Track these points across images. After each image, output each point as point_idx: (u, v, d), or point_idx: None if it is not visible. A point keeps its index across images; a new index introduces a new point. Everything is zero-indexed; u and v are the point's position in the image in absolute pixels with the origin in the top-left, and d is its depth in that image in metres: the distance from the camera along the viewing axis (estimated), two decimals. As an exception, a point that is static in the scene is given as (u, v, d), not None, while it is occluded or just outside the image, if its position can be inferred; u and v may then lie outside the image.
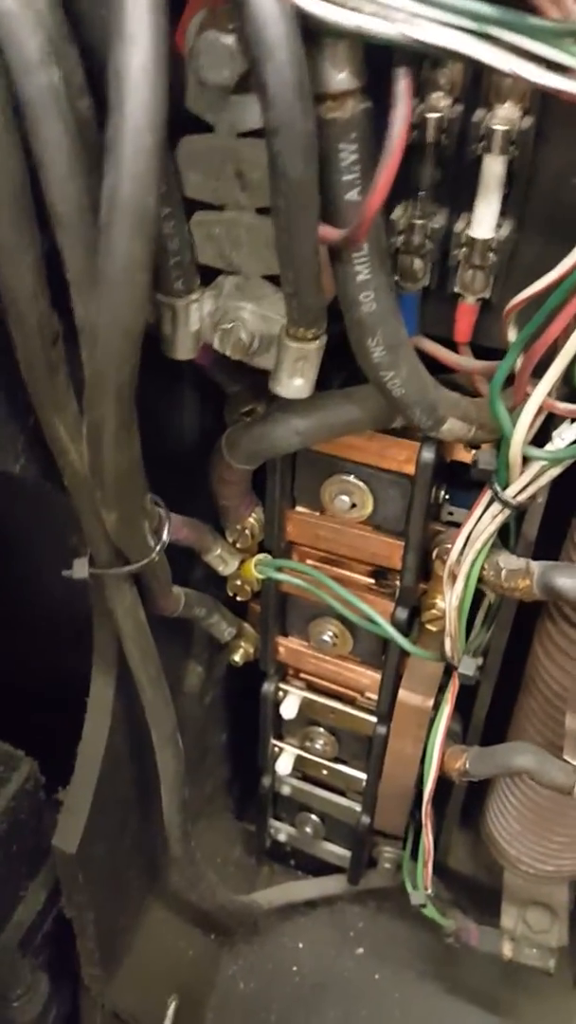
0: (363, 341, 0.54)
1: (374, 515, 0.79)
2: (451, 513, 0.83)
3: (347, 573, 0.86)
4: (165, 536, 0.67)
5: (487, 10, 0.38)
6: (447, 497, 0.81)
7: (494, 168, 0.50)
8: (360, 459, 0.76)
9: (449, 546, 0.73)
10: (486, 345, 0.62)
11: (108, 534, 0.61)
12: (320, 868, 1.18)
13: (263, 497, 0.82)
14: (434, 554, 0.82)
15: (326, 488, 0.79)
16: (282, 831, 1.16)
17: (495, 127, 0.49)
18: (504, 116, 0.49)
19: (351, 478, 0.77)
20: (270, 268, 0.54)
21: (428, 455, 0.71)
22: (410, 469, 0.73)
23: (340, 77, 0.43)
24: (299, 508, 0.83)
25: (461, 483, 0.78)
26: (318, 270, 0.49)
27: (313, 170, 0.43)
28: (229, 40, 0.43)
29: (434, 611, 0.83)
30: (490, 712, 0.89)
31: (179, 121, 0.50)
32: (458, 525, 0.78)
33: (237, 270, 0.56)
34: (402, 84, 0.41)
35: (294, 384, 0.57)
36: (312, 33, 0.41)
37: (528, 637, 0.82)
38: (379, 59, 0.42)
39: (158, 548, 0.66)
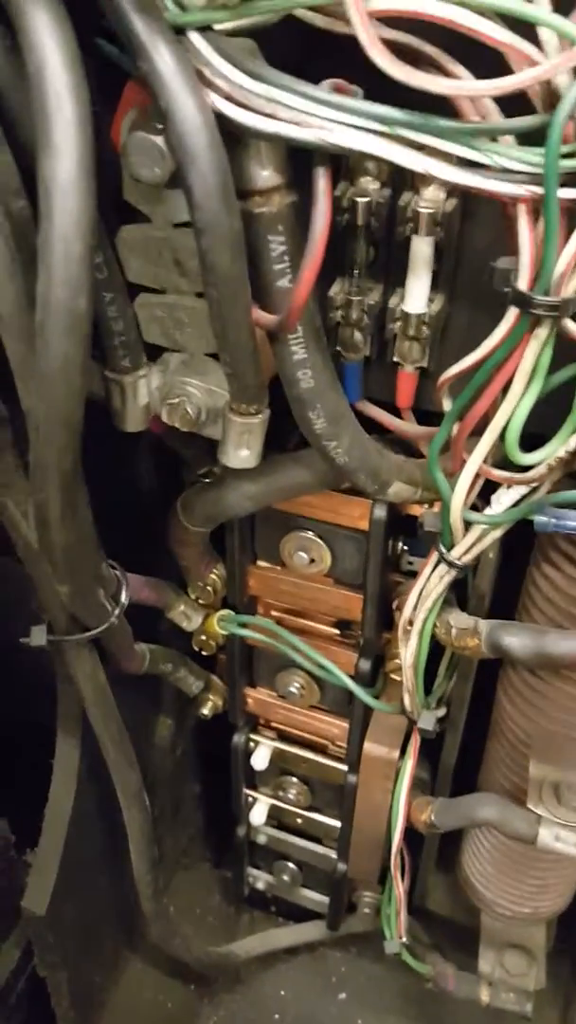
0: (304, 414, 0.55)
1: (333, 569, 0.81)
2: (411, 563, 0.84)
3: (312, 624, 0.87)
4: (123, 599, 0.68)
5: (396, 114, 0.41)
6: (405, 548, 0.83)
7: (422, 248, 0.52)
8: (316, 516, 0.77)
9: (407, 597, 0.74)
10: (428, 409, 0.64)
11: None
12: (301, 913, 1.18)
13: (224, 551, 0.83)
14: (394, 605, 0.83)
15: (285, 544, 0.80)
16: (260, 879, 1.16)
17: (421, 210, 0.51)
18: (429, 199, 0.51)
19: (308, 534, 0.79)
20: (212, 347, 0.56)
21: (380, 513, 0.72)
22: (364, 525, 0.75)
23: (265, 174, 0.45)
24: (260, 563, 0.84)
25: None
26: (254, 352, 0.50)
27: (241, 265, 0.45)
28: (158, 140, 0.44)
29: (397, 661, 0.84)
30: (462, 757, 0.90)
31: (119, 208, 0.52)
32: (416, 575, 0.80)
33: (182, 348, 0.57)
34: (321, 183, 0.43)
35: (240, 455, 0.58)
36: (236, 133, 0.43)
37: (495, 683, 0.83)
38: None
39: (116, 612, 0.67)
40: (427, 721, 0.75)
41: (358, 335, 0.59)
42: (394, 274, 0.56)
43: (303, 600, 0.84)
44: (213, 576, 0.84)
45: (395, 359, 0.60)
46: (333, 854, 1.04)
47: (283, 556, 0.81)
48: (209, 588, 0.84)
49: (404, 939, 0.94)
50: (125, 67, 0.45)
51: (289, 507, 0.77)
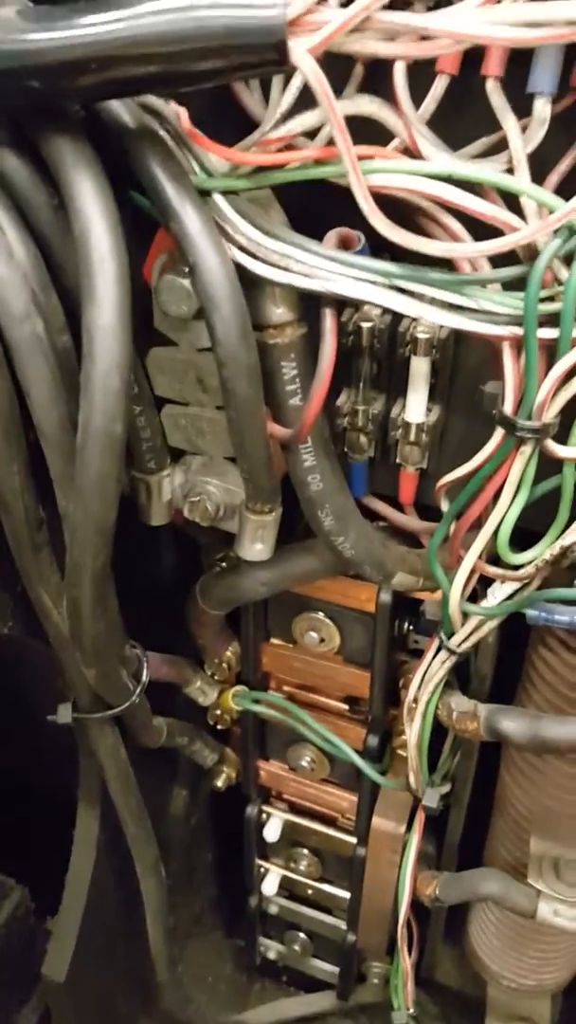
0: (314, 513, 0.61)
1: (342, 648, 0.85)
2: (416, 641, 0.89)
3: (322, 699, 0.91)
4: (144, 678, 0.73)
5: (393, 268, 0.46)
6: (411, 627, 0.87)
7: (420, 367, 0.58)
8: (326, 598, 0.82)
9: (413, 676, 0.79)
10: (428, 504, 0.69)
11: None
12: (311, 983, 1.20)
13: (238, 630, 0.88)
14: (400, 683, 0.87)
15: (297, 624, 0.85)
16: (272, 949, 1.18)
17: (419, 336, 0.57)
18: (426, 326, 0.57)
19: (319, 615, 0.83)
20: (230, 451, 0.62)
21: (386, 597, 0.77)
22: (372, 607, 0.79)
23: (278, 312, 0.51)
24: (273, 640, 0.89)
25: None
26: (268, 460, 0.56)
27: (257, 390, 0.50)
28: (186, 283, 0.51)
29: (403, 737, 0.88)
30: (468, 831, 0.93)
31: (148, 328, 0.58)
32: (422, 653, 0.84)
33: (203, 452, 0.63)
34: (328, 323, 0.49)
35: (255, 548, 0.64)
36: (253, 277, 0.49)
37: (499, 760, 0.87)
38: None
39: (138, 691, 0.71)
40: (431, 798, 0.78)
41: (363, 439, 0.64)
42: (395, 387, 0.62)
43: (314, 677, 0.88)
44: (228, 653, 0.88)
45: (397, 460, 0.65)
46: (343, 924, 1.06)
47: (295, 635, 0.86)
48: (224, 665, 0.88)
49: (411, 1010, 0.96)
50: (155, 217, 0.51)
51: (301, 589, 0.82)
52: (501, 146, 0.49)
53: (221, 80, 0.41)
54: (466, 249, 0.45)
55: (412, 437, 0.62)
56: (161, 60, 0.40)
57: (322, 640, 0.84)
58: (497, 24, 0.38)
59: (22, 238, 0.48)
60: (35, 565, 0.58)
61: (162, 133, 0.48)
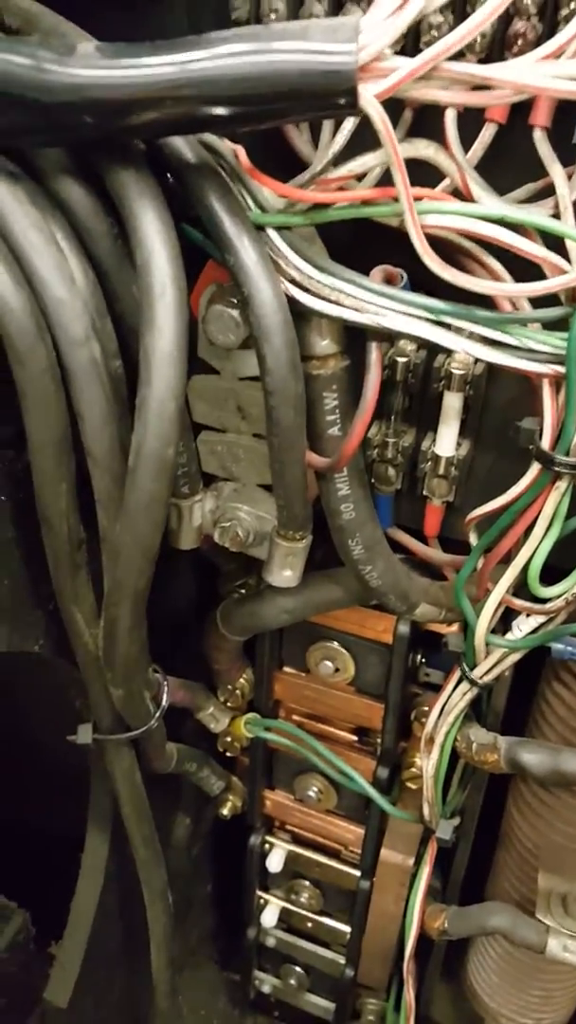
0: (344, 541, 0.62)
1: (356, 679, 0.86)
2: (428, 675, 0.89)
3: (331, 730, 0.92)
4: (164, 702, 0.73)
5: (440, 305, 0.48)
6: (423, 660, 0.88)
7: (453, 402, 0.59)
8: (343, 628, 0.83)
9: (426, 708, 0.79)
10: (453, 537, 0.70)
11: (113, 704, 0.67)
12: (304, 1019, 1.18)
13: (253, 658, 0.88)
14: (412, 716, 0.88)
15: (311, 653, 0.85)
16: (266, 982, 1.17)
17: (454, 371, 0.58)
18: (460, 361, 0.58)
19: (334, 644, 0.84)
20: (263, 479, 0.63)
21: (404, 629, 0.78)
22: (388, 638, 0.80)
23: (323, 344, 0.53)
24: (287, 669, 0.89)
25: (437, 645, 0.85)
26: (304, 488, 0.57)
27: (301, 419, 0.52)
28: (235, 313, 0.52)
29: (413, 770, 0.88)
30: (471, 867, 0.93)
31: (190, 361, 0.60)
32: (434, 686, 0.85)
33: (236, 479, 0.64)
34: (374, 355, 0.51)
35: (284, 575, 0.64)
36: (302, 310, 0.51)
37: (506, 794, 0.87)
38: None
39: (158, 714, 0.72)
40: (445, 830, 0.79)
41: (392, 471, 0.66)
42: (426, 421, 0.63)
43: (325, 706, 0.89)
44: (242, 680, 0.89)
45: (424, 493, 0.66)
46: (341, 959, 1.05)
47: (309, 664, 0.86)
48: (238, 692, 0.89)
49: (412, 1048, 0.95)
50: (208, 251, 0.52)
51: (317, 618, 0.83)
52: (544, 191, 0.51)
53: (288, 120, 0.43)
54: (515, 289, 0.47)
55: (441, 470, 0.63)
56: (234, 101, 0.41)
57: (337, 670, 0.85)
58: (557, 78, 0.40)
59: (82, 265, 0.49)
60: (72, 584, 0.58)
61: (218, 169, 0.49)
